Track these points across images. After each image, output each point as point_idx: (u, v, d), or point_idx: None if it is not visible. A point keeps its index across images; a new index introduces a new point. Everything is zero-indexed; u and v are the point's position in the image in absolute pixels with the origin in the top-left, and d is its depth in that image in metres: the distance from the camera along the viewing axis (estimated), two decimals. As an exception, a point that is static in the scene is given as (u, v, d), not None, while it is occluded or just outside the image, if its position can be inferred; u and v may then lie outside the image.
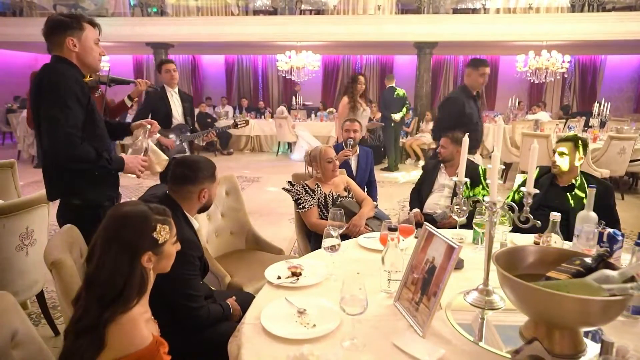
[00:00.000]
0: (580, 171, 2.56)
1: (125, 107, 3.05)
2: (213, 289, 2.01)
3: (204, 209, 1.83)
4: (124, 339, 1.06)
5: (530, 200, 1.35)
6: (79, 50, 1.86)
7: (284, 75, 10.62)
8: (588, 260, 1.24)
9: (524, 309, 1.21)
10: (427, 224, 1.46)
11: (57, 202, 1.98)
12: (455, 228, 2.33)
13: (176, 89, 3.82)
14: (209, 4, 9.98)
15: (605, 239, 1.66)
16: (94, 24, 1.91)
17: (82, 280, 1.16)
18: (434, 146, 8.75)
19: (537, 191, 1.38)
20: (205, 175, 1.73)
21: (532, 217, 1.36)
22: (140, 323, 1.10)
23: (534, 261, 1.36)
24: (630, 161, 5.91)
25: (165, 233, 1.22)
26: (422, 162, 8.39)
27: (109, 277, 1.09)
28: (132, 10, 10.26)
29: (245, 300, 1.93)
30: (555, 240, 1.67)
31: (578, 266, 1.24)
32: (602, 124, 8.09)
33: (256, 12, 10.34)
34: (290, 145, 9.49)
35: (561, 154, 2.46)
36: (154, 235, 1.19)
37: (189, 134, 3.79)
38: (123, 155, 2.01)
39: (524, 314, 1.24)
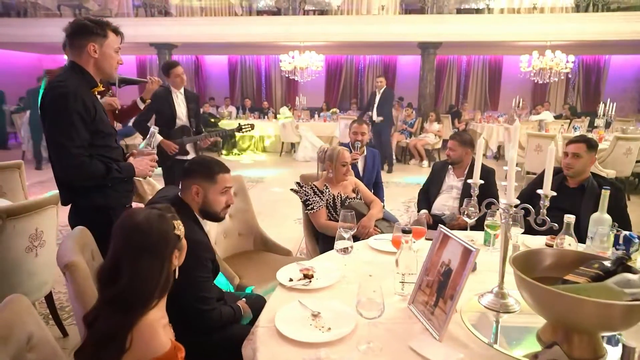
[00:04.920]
0: (591, 172, 2.54)
1: (137, 109, 2.96)
2: (223, 290, 2.00)
3: (206, 214, 1.74)
4: (143, 346, 1.05)
5: (547, 203, 1.33)
6: (98, 56, 1.85)
7: (287, 75, 10.61)
8: (607, 263, 1.23)
9: (542, 312, 1.20)
10: (442, 226, 1.45)
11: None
12: (465, 229, 2.31)
13: (182, 90, 3.78)
14: (213, 5, 9.98)
15: (621, 241, 1.64)
16: (118, 32, 1.91)
17: (103, 296, 1.13)
18: (438, 146, 8.76)
19: (555, 193, 1.37)
20: (199, 171, 1.70)
21: (549, 219, 1.35)
22: (159, 329, 1.10)
23: (551, 264, 1.34)
24: (636, 162, 5.88)
25: (180, 226, 1.24)
26: (425, 163, 8.39)
27: (141, 286, 1.09)
28: (136, 10, 10.28)
29: (255, 302, 1.92)
30: (570, 243, 1.66)
31: (597, 269, 1.23)
32: (607, 125, 8.06)
33: (260, 13, 10.34)
34: (293, 145, 9.49)
35: (575, 155, 2.45)
36: (176, 232, 1.20)
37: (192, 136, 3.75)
38: (131, 159, 2.00)
39: (543, 318, 1.23)
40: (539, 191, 1.38)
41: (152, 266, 1.12)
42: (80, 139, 1.77)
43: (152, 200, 1.83)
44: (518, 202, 1.32)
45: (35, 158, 7.64)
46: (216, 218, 1.77)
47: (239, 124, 4.22)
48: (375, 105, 7.42)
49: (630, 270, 1.20)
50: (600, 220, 1.77)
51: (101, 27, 1.83)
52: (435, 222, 2.84)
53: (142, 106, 2.94)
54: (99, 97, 1.99)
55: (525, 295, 1.21)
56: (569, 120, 8.88)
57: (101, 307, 1.12)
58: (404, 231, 1.51)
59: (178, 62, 3.80)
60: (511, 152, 1.28)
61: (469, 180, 1.65)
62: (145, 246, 1.13)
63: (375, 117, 7.41)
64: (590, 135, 6.79)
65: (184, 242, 1.24)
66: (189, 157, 3.75)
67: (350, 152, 3.36)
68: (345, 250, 1.67)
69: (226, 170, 1.75)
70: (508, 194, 1.32)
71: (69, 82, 1.78)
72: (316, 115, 10.35)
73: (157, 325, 1.11)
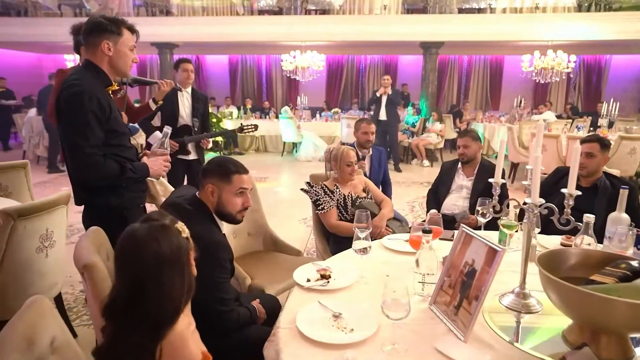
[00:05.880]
0: (603, 172, 2.53)
1: (149, 110, 2.96)
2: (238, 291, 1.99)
3: (221, 215, 1.72)
4: (172, 358, 1.02)
5: (572, 202, 1.32)
6: (113, 54, 1.84)
7: (288, 75, 10.58)
8: (635, 263, 1.22)
9: (570, 313, 1.19)
10: (464, 226, 1.44)
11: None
12: (479, 229, 2.30)
13: (189, 89, 3.77)
14: (214, 4, 9.97)
15: (643, 241, 1.63)
16: (133, 30, 1.89)
17: (124, 324, 1.05)
18: (440, 146, 8.75)
19: (580, 192, 1.35)
20: (215, 171, 1.68)
21: (573, 219, 1.33)
22: (189, 339, 1.07)
23: (575, 264, 1.33)
24: (640, 161, 5.88)
25: (184, 227, 1.19)
26: (426, 162, 8.38)
27: (170, 301, 1.05)
28: (137, 10, 10.25)
29: (269, 303, 1.91)
30: (589, 243, 1.64)
31: (624, 270, 1.21)
32: (610, 124, 8.07)
33: (261, 12, 10.32)
34: (295, 145, 9.48)
35: (589, 154, 2.43)
36: (184, 236, 1.17)
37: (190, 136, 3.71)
38: (144, 159, 1.99)
39: (569, 318, 1.22)
40: (563, 190, 1.37)
41: (175, 278, 1.08)
42: (95, 139, 1.76)
43: (168, 200, 1.81)
44: (543, 201, 1.31)
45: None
46: (232, 220, 1.74)
47: (241, 124, 4.21)
48: (383, 105, 7.42)
49: (658, 270, 1.19)
50: (619, 219, 1.76)
51: (116, 25, 1.81)
52: (445, 221, 2.83)
53: (153, 107, 2.94)
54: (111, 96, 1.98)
55: (552, 296, 1.19)
56: (571, 120, 8.89)
57: (121, 337, 1.03)
58: (425, 231, 1.50)
59: (189, 60, 3.83)
60: (536, 151, 1.27)
61: (490, 180, 1.63)
62: (163, 262, 1.07)
63: (382, 116, 7.42)
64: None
65: (191, 241, 1.21)
66: (191, 157, 3.74)
67: (356, 152, 3.35)
68: (364, 251, 1.66)
69: (244, 171, 1.72)
70: (533, 194, 1.31)
71: (84, 81, 1.77)
72: (317, 115, 10.34)
73: (187, 333, 1.08)
